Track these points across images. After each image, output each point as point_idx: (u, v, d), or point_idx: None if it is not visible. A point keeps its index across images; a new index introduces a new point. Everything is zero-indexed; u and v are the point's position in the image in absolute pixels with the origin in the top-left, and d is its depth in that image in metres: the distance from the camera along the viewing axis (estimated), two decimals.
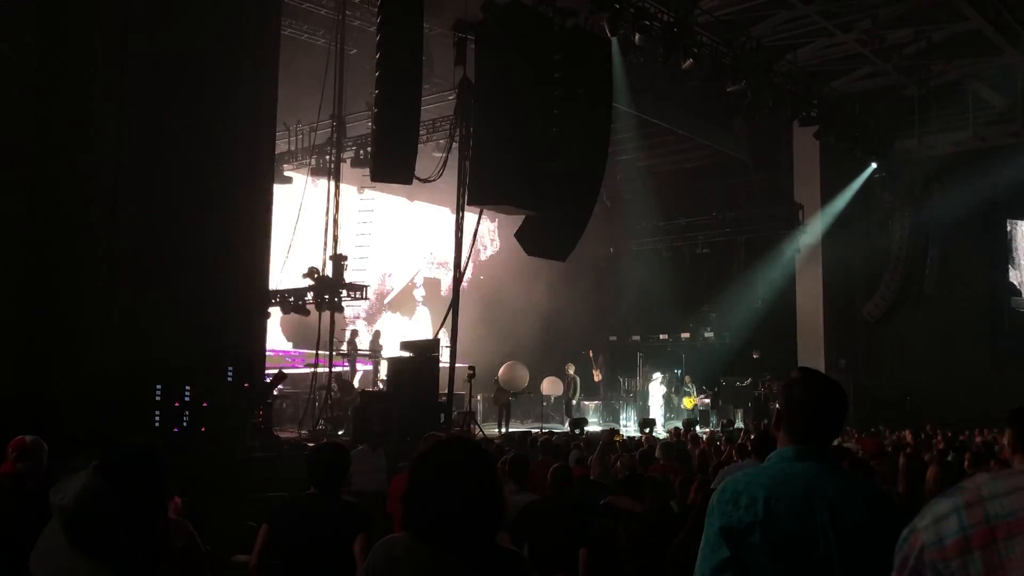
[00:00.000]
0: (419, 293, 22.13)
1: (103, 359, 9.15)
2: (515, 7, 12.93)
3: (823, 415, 2.26)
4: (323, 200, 15.36)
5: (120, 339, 9.34)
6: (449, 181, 14.22)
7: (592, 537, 5.06)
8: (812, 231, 20.77)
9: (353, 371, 18.03)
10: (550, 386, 19.94)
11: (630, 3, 13.78)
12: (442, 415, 13.00)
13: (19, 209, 9.12)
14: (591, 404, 21.09)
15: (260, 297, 11.91)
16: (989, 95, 19.30)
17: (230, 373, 10.16)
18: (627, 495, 5.77)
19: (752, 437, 9.82)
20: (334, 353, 14.95)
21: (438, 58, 15.99)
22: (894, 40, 17.03)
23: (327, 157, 17.41)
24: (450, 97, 15.37)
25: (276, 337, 17.34)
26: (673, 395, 20.81)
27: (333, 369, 14.97)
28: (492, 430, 16.21)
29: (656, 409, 19.84)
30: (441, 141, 16.89)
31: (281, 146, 17.58)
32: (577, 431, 13.44)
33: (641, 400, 20.59)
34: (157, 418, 9.35)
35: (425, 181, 13.72)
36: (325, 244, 14.93)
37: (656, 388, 20.24)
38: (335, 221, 14.80)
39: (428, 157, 15.51)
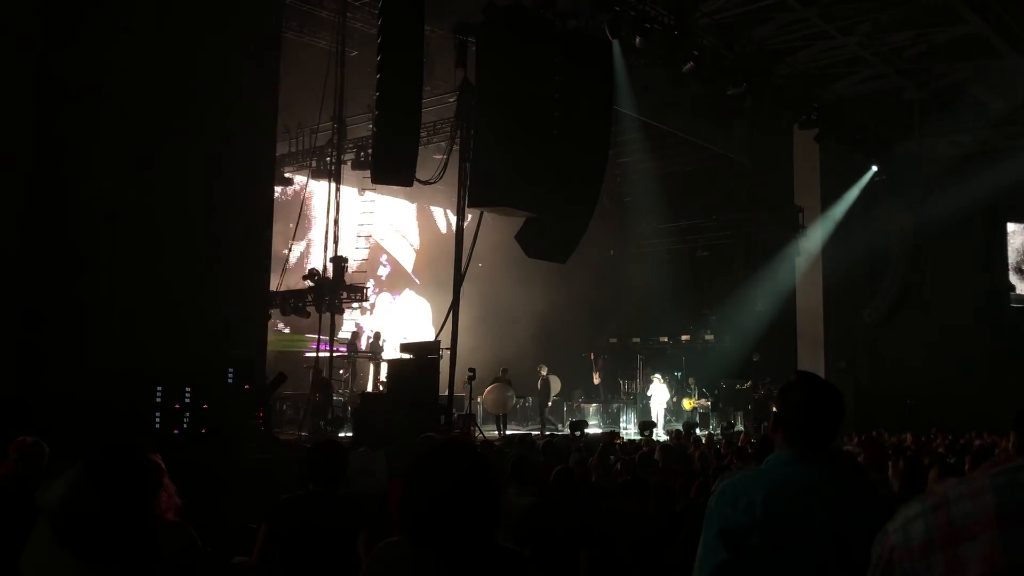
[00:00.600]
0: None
1: (103, 361, 9.15)
2: (516, 9, 12.96)
3: (820, 418, 2.28)
4: (324, 202, 15.38)
5: (120, 341, 9.36)
6: (450, 183, 14.24)
7: (593, 540, 5.06)
8: (812, 234, 20.78)
9: (355, 372, 18.07)
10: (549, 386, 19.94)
11: (631, 6, 13.79)
12: (442, 417, 13.01)
13: (19, 211, 9.14)
14: (591, 406, 21.09)
15: (260, 299, 11.93)
16: (990, 98, 19.30)
17: (230, 375, 10.18)
18: (628, 498, 5.77)
19: (752, 441, 9.83)
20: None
21: (439, 60, 16.01)
22: (895, 43, 17.03)
23: (328, 159, 17.44)
24: (451, 99, 15.40)
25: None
26: (673, 397, 20.82)
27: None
28: (492, 432, 16.22)
29: (657, 411, 19.85)
30: (442, 143, 16.92)
31: (282, 148, 17.60)
32: (577, 433, 13.45)
33: (641, 402, 20.60)
34: (158, 420, 9.38)
35: (425, 183, 13.74)
36: (325, 246, 14.95)
37: (657, 390, 20.24)
38: (335, 223, 14.82)
39: (429, 159, 15.53)
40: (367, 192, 20.36)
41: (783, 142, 21.03)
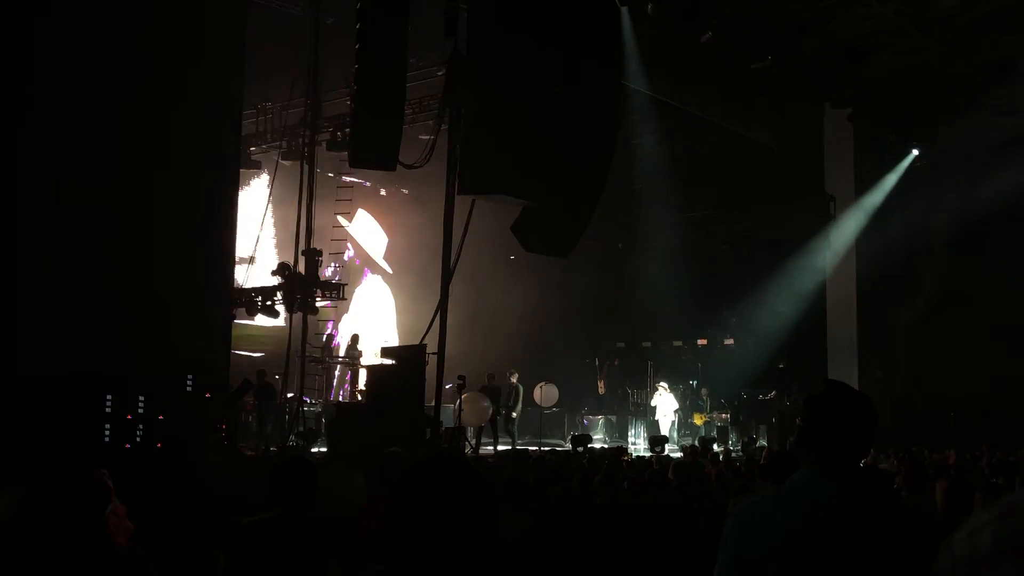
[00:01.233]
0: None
1: (41, 367, 9.11)
2: None
3: (849, 432, 2.29)
4: (295, 188, 15.37)
5: (64, 343, 9.34)
6: (438, 167, 14.23)
7: (595, 570, 5.07)
8: (845, 226, 20.81)
9: (330, 379, 18.09)
10: (539, 395, 19.96)
11: None
12: (428, 430, 13.02)
13: None
14: (596, 419, 21.13)
15: (224, 297, 11.92)
16: None
17: (189, 382, 10.17)
18: (637, 522, 5.79)
19: (761, 460, 9.84)
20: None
21: (426, 29, 15.99)
22: (938, 12, 17.03)
23: (300, 140, 17.42)
24: (439, 73, 15.39)
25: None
26: (686, 409, 20.86)
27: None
28: (488, 448, 16.25)
29: (664, 425, 19.88)
30: (429, 123, 16.91)
31: (248, 127, 17.60)
32: (580, 449, 13.48)
33: (652, 415, 20.65)
34: (107, 433, 9.36)
35: (410, 167, 13.73)
36: (297, 238, 14.94)
37: (663, 400, 20.24)
38: (309, 211, 14.82)
39: (414, 140, 15.52)
40: (344, 177, 20.40)
41: (812, 123, 21.04)
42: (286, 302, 14.84)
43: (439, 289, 13.81)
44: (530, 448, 15.08)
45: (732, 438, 19.62)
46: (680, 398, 20.82)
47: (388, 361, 13.91)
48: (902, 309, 21.41)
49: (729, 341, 22.71)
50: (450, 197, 13.85)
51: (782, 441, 17.93)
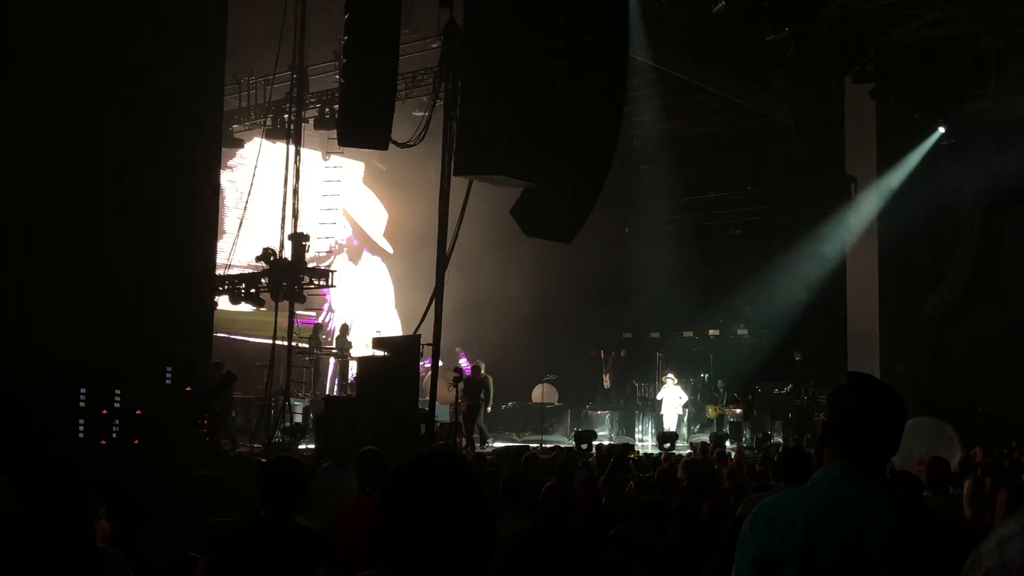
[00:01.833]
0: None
1: (13, 357, 9.11)
2: None
3: (877, 429, 2.28)
4: (281, 168, 15.34)
5: (35, 332, 9.32)
6: (432, 146, 14.19)
7: (600, 573, 5.08)
8: (866, 209, 20.78)
9: (317, 372, 18.10)
10: (540, 393, 20.02)
11: None
12: (422, 426, 13.03)
13: None
14: (601, 414, 21.17)
15: (205, 284, 11.91)
16: None
17: (168, 375, 10.16)
18: (645, 523, 5.80)
19: (775, 458, 9.85)
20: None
21: None
22: None
23: (285, 116, 17.37)
24: (434, 45, 15.34)
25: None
26: (697, 402, 20.87)
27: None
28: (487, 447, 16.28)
29: (671, 419, 19.91)
30: (423, 98, 16.87)
31: (230, 103, 17.55)
32: (584, 446, 13.50)
33: (658, 409, 20.69)
34: (81, 428, 9.36)
35: (403, 146, 13.69)
36: (283, 221, 14.92)
37: (669, 393, 20.26)
38: (295, 193, 14.79)
39: (407, 117, 15.49)
40: (332, 156, 20.36)
41: (832, 99, 20.98)
42: (271, 289, 14.83)
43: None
44: (531, 445, 15.09)
45: (745, 434, 19.65)
46: (690, 391, 20.84)
47: (380, 353, 13.91)
48: (927, 299, 21.39)
49: (743, 332, 22.73)
50: (445, 177, 13.81)
51: (798, 437, 17.98)
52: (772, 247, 22.46)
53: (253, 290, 15.11)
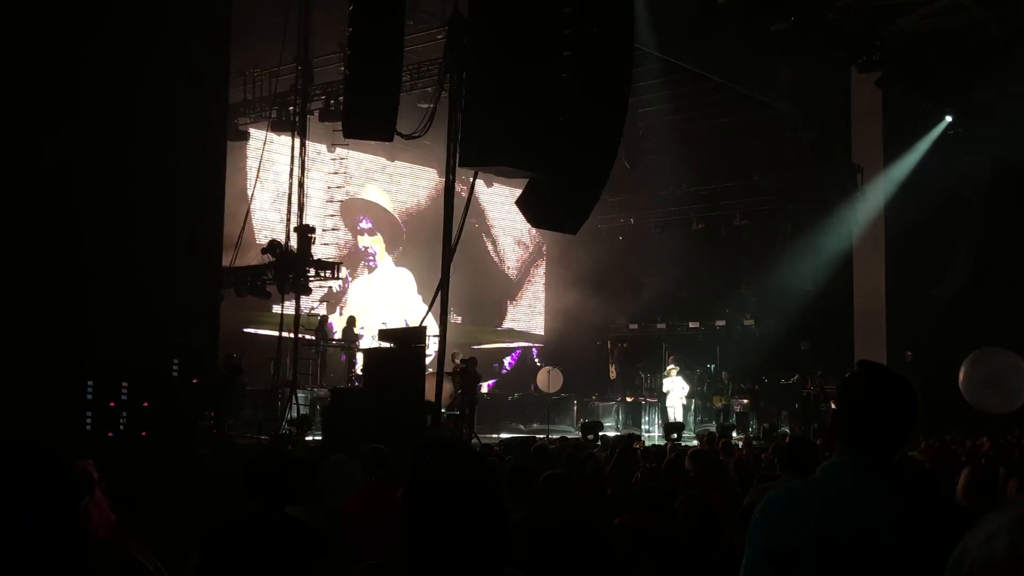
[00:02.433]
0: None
1: (18, 350, 9.11)
2: None
3: (889, 419, 2.26)
4: (286, 160, 15.33)
5: (43, 325, 9.32)
6: (437, 137, 14.17)
7: (606, 566, 5.06)
8: (873, 198, 20.73)
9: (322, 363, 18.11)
10: (545, 378, 19.97)
11: None
12: (429, 417, 13.03)
13: None
14: (608, 405, 21.16)
15: (211, 276, 11.91)
16: None
17: (175, 367, 10.17)
18: (651, 513, 5.78)
19: (782, 447, 9.82)
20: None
21: None
22: None
23: (291, 109, 17.35)
24: (439, 37, 15.30)
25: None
26: (702, 392, 20.84)
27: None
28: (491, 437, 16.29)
29: (676, 410, 19.89)
30: (428, 90, 16.82)
31: (236, 96, 17.51)
32: (590, 437, 13.49)
33: (663, 400, 20.68)
34: (89, 420, 9.37)
35: (408, 137, 13.68)
36: (289, 213, 14.91)
37: (673, 384, 20.23)
38: (301, 185, 14.78)
39: (412, 109, 15.46)
40: (338, 148, 20.36)
41: (838, 89, 20.92)
42: (277, 282, 14.83)
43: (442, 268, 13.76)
44: (537, 436, 15.09)
45: (752, 425, 19.63)
46: (696, 382, 20.81)
47: (387, 344, 13.91)
48: (933, 286, 21.32)
49: (749, 322, 22.68)
50: (451, 168, 13.79)
51: (806, 428, 17.94)
52: (778, 237, 22.41)
53: (259, 282, 15.13)
